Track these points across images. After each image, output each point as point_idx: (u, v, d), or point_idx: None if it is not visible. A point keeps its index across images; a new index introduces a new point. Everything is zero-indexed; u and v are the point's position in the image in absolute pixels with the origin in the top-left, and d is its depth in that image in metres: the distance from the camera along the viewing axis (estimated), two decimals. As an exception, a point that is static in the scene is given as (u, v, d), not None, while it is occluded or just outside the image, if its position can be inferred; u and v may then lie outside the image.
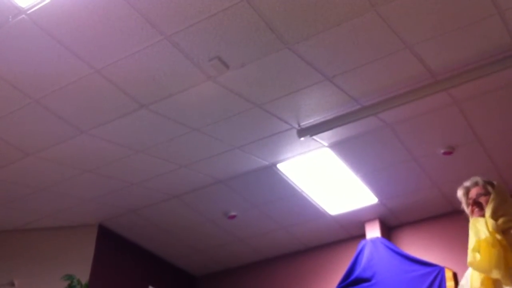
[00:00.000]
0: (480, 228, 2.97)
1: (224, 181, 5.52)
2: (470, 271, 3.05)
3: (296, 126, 4.76)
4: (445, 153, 5.05)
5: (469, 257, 2.95)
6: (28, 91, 4.14)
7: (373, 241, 5.98)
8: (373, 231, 6.08)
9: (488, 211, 3.03)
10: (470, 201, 3.15)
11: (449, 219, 5.81)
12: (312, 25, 3.73)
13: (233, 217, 6.03)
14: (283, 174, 5.41)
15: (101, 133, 4.65)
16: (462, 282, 3.15)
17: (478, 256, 2.91)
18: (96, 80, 4.08)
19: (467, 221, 3.15)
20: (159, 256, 6.78)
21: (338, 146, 5.04)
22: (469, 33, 3.83)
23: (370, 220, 6.13)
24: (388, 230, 6.24)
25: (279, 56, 3.98)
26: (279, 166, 5.30)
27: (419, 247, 5.98)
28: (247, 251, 6.74)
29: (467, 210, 3.18)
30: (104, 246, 6.07)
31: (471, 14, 3.68)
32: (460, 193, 3.23)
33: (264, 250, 6.73)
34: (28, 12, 3.50)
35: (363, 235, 6.15)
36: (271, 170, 5.36)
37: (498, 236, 2.89)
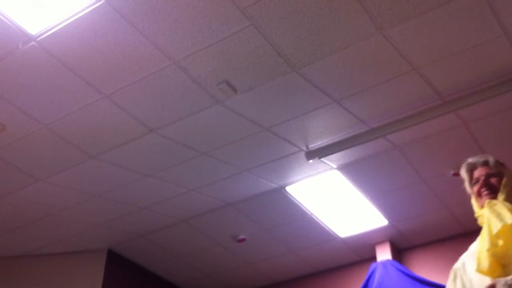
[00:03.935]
0: (501, 212, 2.59)
1: (233, 204, 5.51)
2: (471, 253, 2.70)
3: (305, 148, 4.76)
4: (454, 175, 5.01)
5: (489, 243, 2.52)
6: (37, 116, 4.17)
7: (384, 263, 5.92)
8: (383, 254, 6.03)
9: (502, 195, 2.69)
10: (480, 181, 2.80)
11: (459, 241, 5.74)
12: (319, 49, 3.75)
13: (242, 240, 6.00)
14: (292, 196, 5.39)
15: (110, 157, 4.66)
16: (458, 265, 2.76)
17: (500, 242, 2.51)
18: (105, 105, 4.11)
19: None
20: (168, 280, 6.74)
21: (347, 168, 5.02)
22: (476, 54, 3.84)
23: (381, 242, 6.09)
24: (399, 252, 6.19)
25: (287, 79, 4.00)
26: (288, 188, 5.29)
27: (430, 269, 5.92)
28: (256, 275, 6.69)
29: (470, 189, 2.85)
30: (113, 271, 6.04)
31: (477, 35, 3.69)
32: (463, 170, 2.91)
33: (273, 274, 6.68)
34: (38, 39, 3.54)
35: (373, 258, 6.09)
36: (280, 193, 5.35)
37: None
